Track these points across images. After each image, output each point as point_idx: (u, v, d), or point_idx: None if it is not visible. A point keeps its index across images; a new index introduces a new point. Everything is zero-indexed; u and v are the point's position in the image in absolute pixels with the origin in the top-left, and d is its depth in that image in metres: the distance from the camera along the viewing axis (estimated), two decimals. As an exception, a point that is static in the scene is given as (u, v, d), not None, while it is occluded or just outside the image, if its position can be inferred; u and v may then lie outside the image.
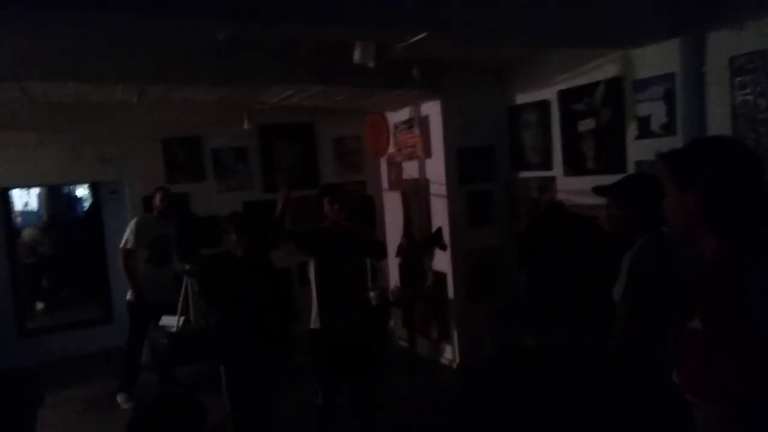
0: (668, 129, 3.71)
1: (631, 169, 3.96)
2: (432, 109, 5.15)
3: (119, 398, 4.77)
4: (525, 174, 5.03)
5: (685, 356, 1.22)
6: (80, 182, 7.66)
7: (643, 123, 3.89)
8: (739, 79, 3.29)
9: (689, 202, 1.30)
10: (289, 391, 4.46)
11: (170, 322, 4.27)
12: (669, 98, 3.69)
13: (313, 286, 3.63)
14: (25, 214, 8.69)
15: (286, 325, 4.03)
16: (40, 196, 9.03)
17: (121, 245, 4.81)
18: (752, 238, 1.28)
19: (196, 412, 1.71)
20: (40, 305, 7.58)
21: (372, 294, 4.95)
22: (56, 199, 9.16)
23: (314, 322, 3.62)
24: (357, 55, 3.57)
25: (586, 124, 4.36)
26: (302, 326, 3.82)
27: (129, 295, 4.80)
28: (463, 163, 5.07)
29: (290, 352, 4.67)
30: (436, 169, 5.19)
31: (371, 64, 3.56)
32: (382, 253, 4.17)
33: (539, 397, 1.08)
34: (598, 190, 2.51)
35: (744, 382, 1.13)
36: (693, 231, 1.33)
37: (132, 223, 4.84)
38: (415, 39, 2.97)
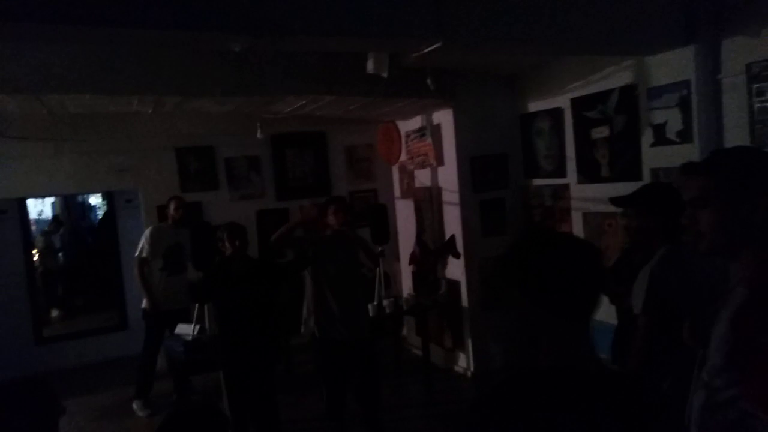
0: (684, 136, 3.68)
1: (646, 176, 3.93)
2: (444, 117, 5.15)
3: (135, 405, 4.80)
4: (538, 182, 5.01)
5: (759, 374, 1.17)
6: (96, 191, 7.77)
7: (659, 130, 3.86)
8: (756, 86, 3.25)
9: (746, 212, 1.22)
10: (297, 397, 4.50)
11: (186, 330, 4.30)
12: (684, 106, 3.67)
13: (310, 293, 3.77)
14: (40, 222, 8.80)
15: (284, 330, 4.12)
16: (54, 204, 9.14)
17: (136, 254, 4.86)
18: None
19: (219, 421, 1.71)
20: (55, 313, 7.66)
21: (386, 302, 4.95)
22: (71, 207, 9.27)
23: (314, 330, 3.75)
24: (370, 65, 3.58)
25: (599, 132, 4.33)
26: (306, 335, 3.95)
27: (144, 304, 4.83)
28: (476, 171, 5.06)
29: (287, 358, 4.71)
30: (448, 176, 5.18)
31: (384, 74, 3.57)
32: (375, 261, 4.25)
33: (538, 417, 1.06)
34: (615, 201, 2.49)
35: None
36: (740, 246, 1.26)
37: (147, 232, 4.88)
38: (430, 49, 2.98)
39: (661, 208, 2.31)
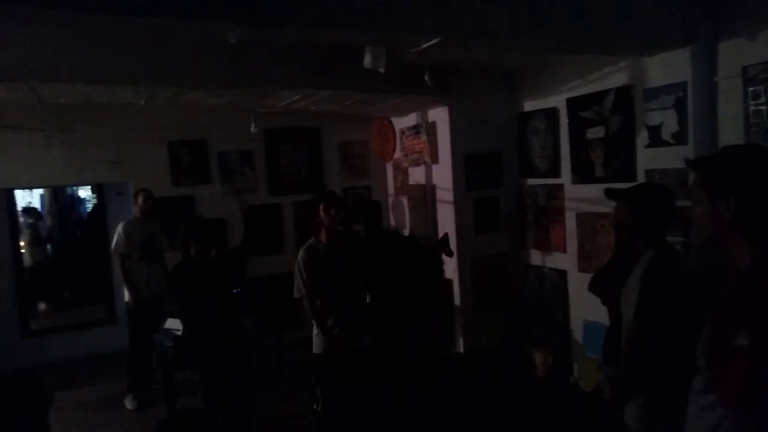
0: (679, 138, 3.69)
1: (641, 177, 3.94)
2: (439, 115, 5.14)
3: (126, 400, 4.78)
4: (533, 181, 5.01)
5: (728, 372, 1.18)
6: (86, 183, 7.66)
7: (654, 132, 3.87)
8: (752, 88, 3.26)
9: (721, 211, 1.26)
10: (287, 393, 4.48)
11: (175, 325, 4.25)
12: (680, 107, 3.67)
13: (309, 302, 3.58)
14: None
15: (250, 329, 4.09)
16: (42, 196, 9.01)
17: (113, 249, 4.94)
18: None
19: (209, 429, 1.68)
20: (42, 305, 7.56)
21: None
22: (60, 199, 9.15)
23: (316, 342, 3.60)
24: (367, 60, 3.56)
25: (594, 132, 4.34)
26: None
27: (126, 297, 4.87)
28: (471, 170, 5.05)
29: (255, 354, 4.72)
30: (443, 174, 5.17)
31: (382, 69, 3.55)
32: None
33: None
34: (611, 193, 2.46)
35: None
36: (724, 241, 1.29)
37: (120, 228, 4.94)
38: (428, 44, 2.96)
39: (653, 208, 2.30)
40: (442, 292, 1.27)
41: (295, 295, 3.61)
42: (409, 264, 1.25)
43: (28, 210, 8.35)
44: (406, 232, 5.81)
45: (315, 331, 3.62)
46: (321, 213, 3.53)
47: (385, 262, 1.28)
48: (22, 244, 7.20)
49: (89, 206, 9.00)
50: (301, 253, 3.60)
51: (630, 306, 2.21)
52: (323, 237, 3.59)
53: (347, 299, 3.52)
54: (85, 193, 9.38)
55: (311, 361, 3.71)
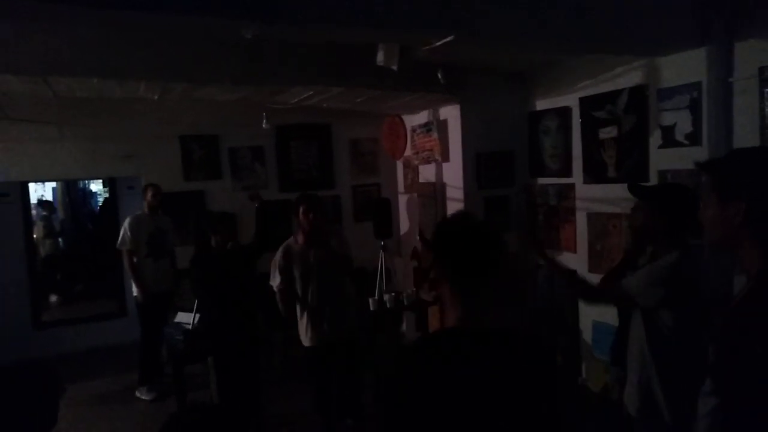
0: (693, 139, 3.66)
1: (653, 178, 3.91)
2: (451, 113, 5.13)
3: (138, 392, 4.84)
4: (544, 180, 4.99)
5: (736, 375, 1.18)
6: (99, 177, 7.74)
7: (667, 132, 3.84)
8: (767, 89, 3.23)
9: (732, 213, 1.26)
10: (286, 391, 4.58)
11: (186, 319, 4.28)
12: (695, 108, 3.64)
13: (298, 301, 3.71)
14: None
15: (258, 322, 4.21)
16: (55, 189, 9.11)
17: (119, 246, 4.91)
18: None
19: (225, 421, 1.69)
20: (54, 298, 7.64)
21: (387, 297, 4.95)
22: (72, 193, 9.23)
23: (303, 337, 3.74)
24: (380, 57, 3.56)
25: (607, 132, 4.31)
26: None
27: (135, 292, 4.89)
28: (481, 168, 5.04)
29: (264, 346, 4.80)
30: (453, 173, 5.16)
31: (394, 67, 3.55)
32: (348, 266, 3.87)
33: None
34: (636, 190, 2.39)
35: None
36: (734, 243, 1.29)
37: (126, 224, 4.93)
38: (441, 42, 2.95)
39: (677, 210, 2.25)
40: (505, 269, 1.45)
41: (270, 282, 3.73)
42: (476, 240, 1.40)
43: (42, 203, 8.44)
44: (416, 230, 5.81)
45: (300, 326, 3.75)
46: (300, 215, 3.63)
47: (455, 236, 1.43)
48: (35, 236, 7.30)
49: (101, 200, 9.08)
50: (278, 253, 3.70)
51: (652, 295, 2.17)
52: (300, 238, 3.68)
53: (324, 297, 3.64)
54: (96, 186, 9.47)
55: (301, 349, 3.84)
